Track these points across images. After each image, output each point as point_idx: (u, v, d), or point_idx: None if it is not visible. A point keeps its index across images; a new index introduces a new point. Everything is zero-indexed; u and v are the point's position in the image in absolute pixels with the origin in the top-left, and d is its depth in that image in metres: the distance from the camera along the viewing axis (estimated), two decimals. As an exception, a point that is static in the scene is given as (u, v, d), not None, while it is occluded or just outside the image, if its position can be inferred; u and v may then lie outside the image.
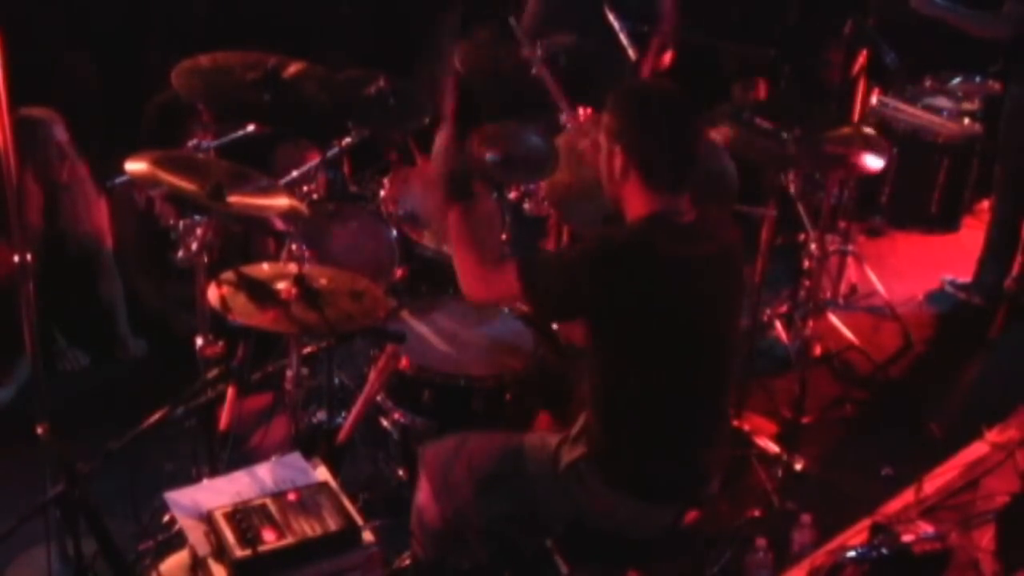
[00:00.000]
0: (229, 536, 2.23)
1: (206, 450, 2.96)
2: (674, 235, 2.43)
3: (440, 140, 2.69)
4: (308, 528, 2.28)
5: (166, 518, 3.01)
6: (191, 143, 3.45)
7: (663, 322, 2.40)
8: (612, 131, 2.47)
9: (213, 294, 2.65)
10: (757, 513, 3.53)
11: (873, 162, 3.57)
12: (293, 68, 3.28)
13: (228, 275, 2.72)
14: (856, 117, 4.51)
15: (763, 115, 3.54)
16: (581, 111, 3.71)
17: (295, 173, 3.68)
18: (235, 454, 3.01)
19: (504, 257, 2.59)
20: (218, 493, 2.39)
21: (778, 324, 4.52)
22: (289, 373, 2.92)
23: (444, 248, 3.50)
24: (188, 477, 3.05)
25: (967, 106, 5.26)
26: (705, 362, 2.51)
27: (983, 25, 4.57)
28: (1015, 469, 3.55)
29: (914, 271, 5.29)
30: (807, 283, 4.38)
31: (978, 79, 5.47)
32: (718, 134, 3.43)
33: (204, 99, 3.21)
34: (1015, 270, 4.90)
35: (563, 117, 3.78)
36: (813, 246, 4.18)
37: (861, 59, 4.37)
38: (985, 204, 5.24)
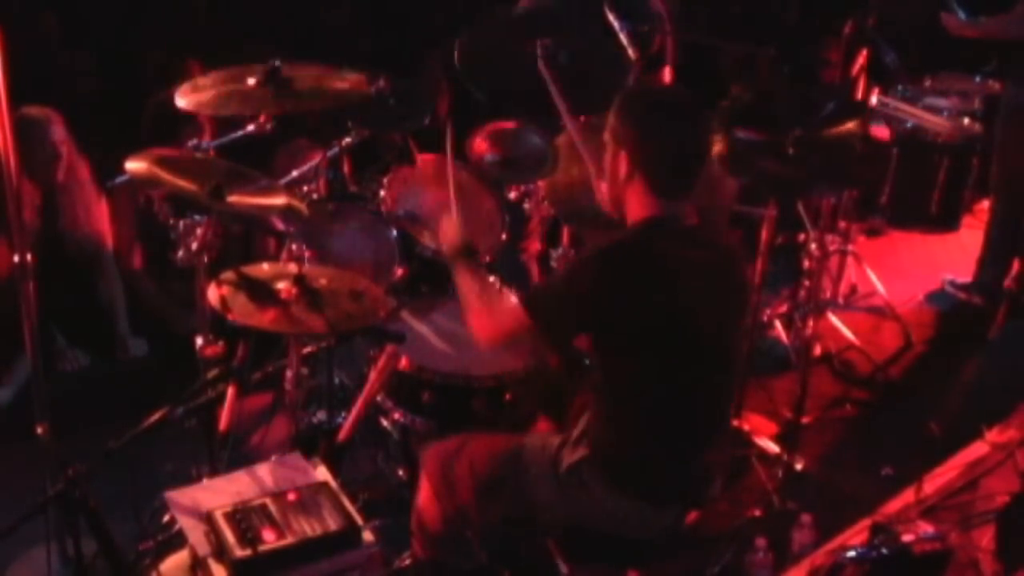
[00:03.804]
0: (229, 536, 2.23)
1: (206, 450, 2.96)
2: (673, 238, 2.43)
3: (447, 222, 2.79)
4: (308, 528, 2.28)
5: (166, 518, 3.01)
6: (191, 143, 3.45)
7: (663, 322, 2.39)
8: (617, 135, 2.45)
9: (213, 294, 2.65)
10: (757, 513, 3.53)
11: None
12: (292, 67, 3.27)
13: (228, 275, 2.72)
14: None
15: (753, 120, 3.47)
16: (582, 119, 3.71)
17: (295, 173, 3.68)
18: (235, 454, 3.01)
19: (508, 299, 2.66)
20: (218, 493, 2.39)
21: (778, 324, 4.52)
22: (289, 373, 2.92)
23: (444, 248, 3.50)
24: (188, 477, 3.05)
25: (967, 106, 5.26)
26: (706, 364, 2.50)
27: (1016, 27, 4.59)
28: (1015, 469, 3.55)
29: (914, 271, 5.29)
30: (807, 283, 4.37)
31: (978, 79, 5.48)
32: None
33: (214, 111, 3.14)
34: (1015, 270, 4.91)
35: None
36: (813, 246, 4.18)
37: (861, 59, 4.37)
38: (985, 204, 5.24)
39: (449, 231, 2.78)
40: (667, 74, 4.29)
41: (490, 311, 2.58)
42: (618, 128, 2.45)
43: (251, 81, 2.79)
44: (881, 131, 4.91)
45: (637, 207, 2.46)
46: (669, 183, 2.43)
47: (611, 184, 2.51)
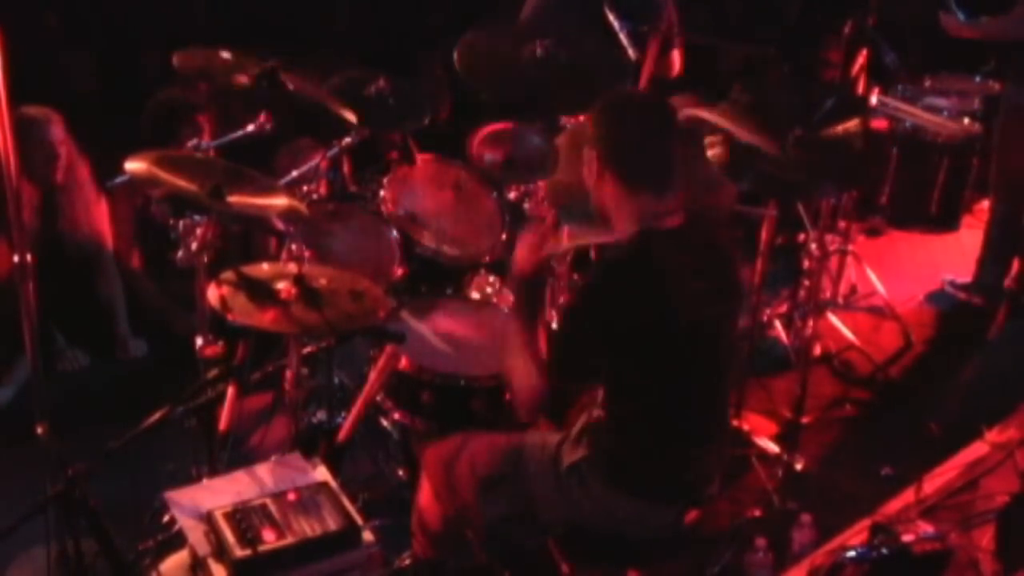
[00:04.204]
0: (229, 536, 2.23)
1: (206, 450, 2.96)
2: (668, 241, 2.44)
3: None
4: (308, 528, 2.28)
5: (166, 518, 3.01)
6: (191, 143, 3.45)
7: (662, 326, 2.40)
8: (590, 138, 2.51)
9: (213, 294, 2.64)
10: (757, 513, 3.53)
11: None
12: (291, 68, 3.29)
13: (228, 275, 2.72)
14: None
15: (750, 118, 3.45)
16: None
17: (295, 173, 3.68)
18: (235, 454, 3.01)
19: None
20: (218, 493, 2.39)
21: (778, 324, 4.52)
22: (289, 373, 2.92)
23: (444, 248, 3.50)
24: (188, 477, 3.05)
25: (967, 106, 5.26)
26: (704, 363, 2.51)
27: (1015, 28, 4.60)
28: (1015, 469, 3.55)
29: (914, 271, 5.29)
30: (807, 283, 4.38)
31: (978, 79, 5.48)
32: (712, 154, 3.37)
33: (204, 78, 3.17)
34: (1015, 270, 4.91)
35: (563, 117, 3.79)
36: (813, 246, 4.18)
37: (861, 59, 4.37)
38: (985, 204, 5.24)
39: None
40: (676, 58, 4.29)
41: (523, 372, 2.50)
42: (590, 131, 2.52)
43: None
44: (879, 122, 4.92)
45: (620, 209, 2.49)
46: (642, 177, 2.46)
47: (592, 190, 2.54)
